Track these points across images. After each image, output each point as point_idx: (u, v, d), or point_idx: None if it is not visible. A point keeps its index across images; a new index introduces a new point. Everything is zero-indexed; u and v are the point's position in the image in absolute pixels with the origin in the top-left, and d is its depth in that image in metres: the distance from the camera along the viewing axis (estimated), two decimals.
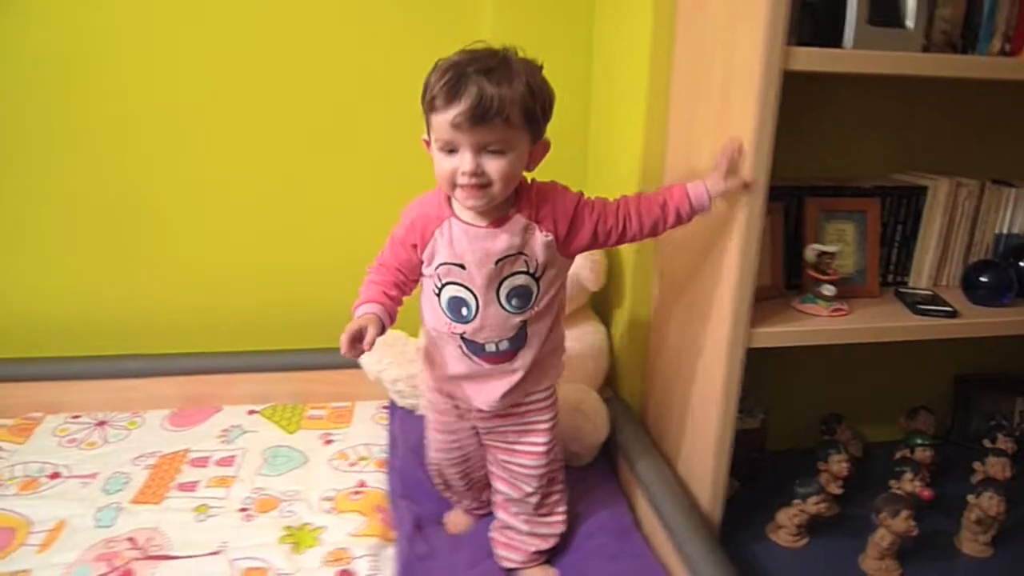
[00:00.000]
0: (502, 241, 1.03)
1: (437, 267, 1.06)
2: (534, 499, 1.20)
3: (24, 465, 1.48)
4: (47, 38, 1.54)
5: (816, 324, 1.21)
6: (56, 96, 1.58)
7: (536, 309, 1.08)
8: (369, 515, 1.34)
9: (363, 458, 1.52)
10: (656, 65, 1.33)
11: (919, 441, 1.44)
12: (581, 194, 1.09)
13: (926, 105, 1.43)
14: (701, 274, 1.22)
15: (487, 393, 1.13)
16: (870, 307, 1.29)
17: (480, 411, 1.16)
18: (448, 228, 1.05)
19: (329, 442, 1.58)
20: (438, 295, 1.08)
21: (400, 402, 1.62)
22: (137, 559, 1.22)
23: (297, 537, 1.28)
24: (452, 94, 0.92)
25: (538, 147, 1.03)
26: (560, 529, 1.23)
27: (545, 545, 1.22)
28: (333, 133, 1.67)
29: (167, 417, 1.66)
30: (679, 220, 1.11)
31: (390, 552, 1.25)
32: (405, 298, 1.11)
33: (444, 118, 0.94)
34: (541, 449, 1.18)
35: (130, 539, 1.27)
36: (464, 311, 1.07)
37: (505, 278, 1.05)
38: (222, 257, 1.72)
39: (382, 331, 1.04)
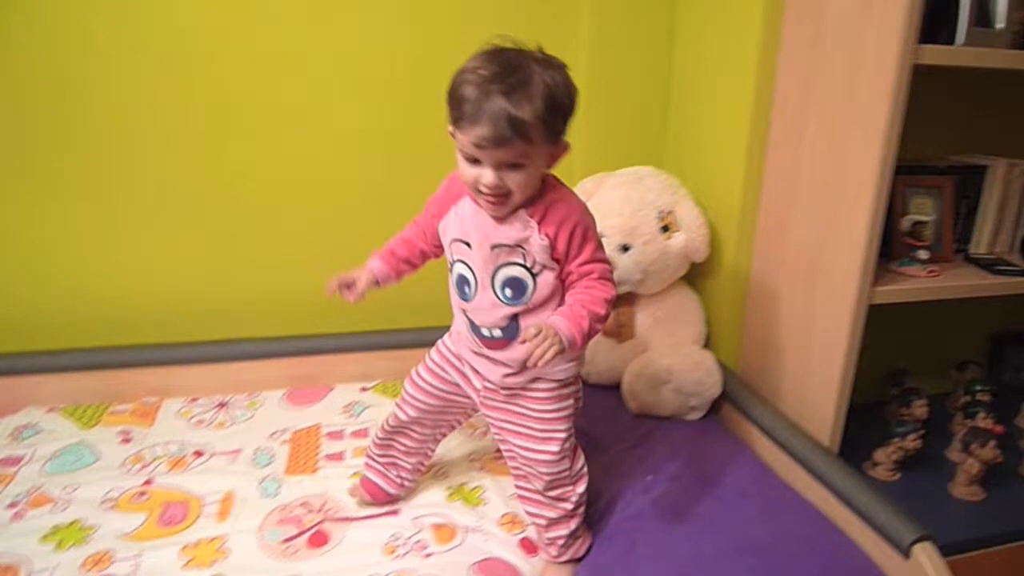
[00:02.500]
0: (502, 230, 1.07)
1: (451, 242, 1.14)
2: (540, 484, 1.20)
3: (162, 446, 1.53)
4: (152, 28, 1.58)
5: (918, 283, 1.39)
6: (163, 88, 1.62)
7: (529, 305, 1.10)
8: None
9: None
10: (763, 62, 1.49)
11: (979, 387, 1.66)
12: (587, 226, 1.09)
13: (984, 94, 1.64)
14: (823, 245, 1.39)
15: (492, 371, 1.18)
16: (951, 270, 1.49)
17: (487, 386, 1.20)
18: (463, 205, 1.12)
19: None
20: (451, 270, 1.16)
21: None
22: (323, 521, 1.30)
23: (462, 494, 1.39)
24: (475, 116, 0.96)
25: (558, 149, 1.06)
26: (575, 524, 1.22)
27: (558, 524, 1.21)
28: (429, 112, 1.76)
29: (284, 396, 1.73)
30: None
31: None
32: (425, 263, 1.25)
33: (468, 137, 0.98)
34: (547, 436, 1.17)
35: (303, 504, 1.35)
36: (466, 289, 1.13)
37: (501, 266, 1.09)
38: (327, 243, 1.79)
39: (376, 285, 1.22)
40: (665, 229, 1.60)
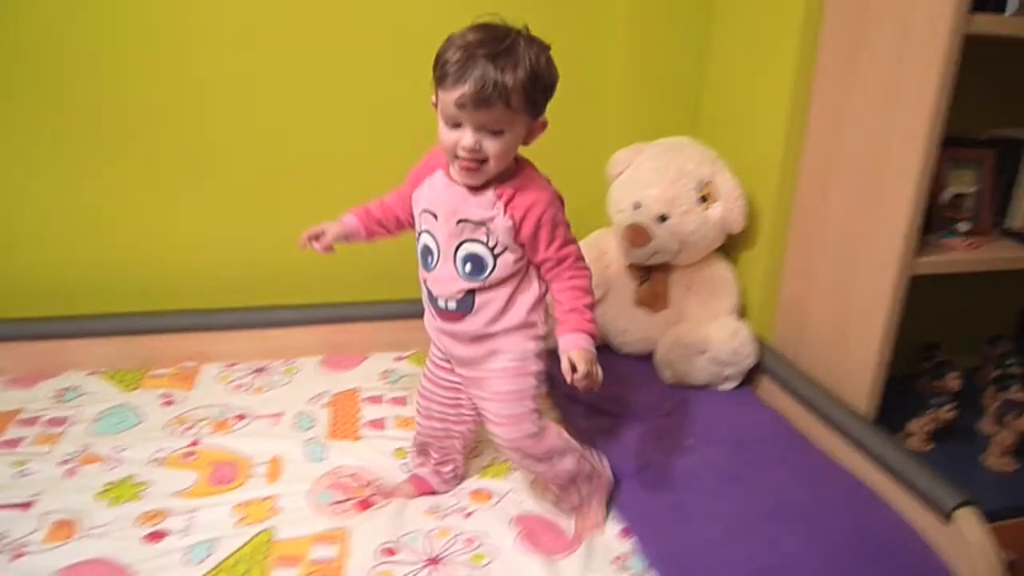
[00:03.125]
0: (469, 205, 1.09)
1: (420, 212, 1.15)
2: (521, 462, 1.21)
3: (204, 408, 1.55)
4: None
5: (958, 255, 1.40)
6: (204, 54, 1.63)
7: (486, 283, 1.12)
8: None
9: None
10: (806, 33, 1.48)
11: (1011, 360, 1.67)
12: (555, 212, 1.11)
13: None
14: (865, 216, 1.40)
15: (446, 342, 1.20)
16: (989, 243, 1.49)
17: (449, 355, 1.23)
18: (437, 177, 1.14)
19: None
20: (418, 239, 1.17)
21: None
22: (373, 495, 1.31)
23: (493, 470, 1.40)
24: (459, 75, 0.98)
25: (536, 125, 1.08)
26: (564, 480, 1.22)
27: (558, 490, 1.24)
28: None
29: (320, 363, 1.75)
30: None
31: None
32: (400, 231, 1.27)
33: (450, 97, 0.99)
34: (509, 418, 1.16)
35: (353, 475, 1.36)
36: (429, 259, 1.15)
37: (464, 241, 1.11)
38: None
39: (344, 240, 1.25)
40: (703, 200, 1.60)
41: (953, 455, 1.49)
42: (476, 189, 1.09)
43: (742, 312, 1.70)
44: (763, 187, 1.63)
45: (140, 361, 1.72)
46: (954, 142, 1.53)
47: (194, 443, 1.43)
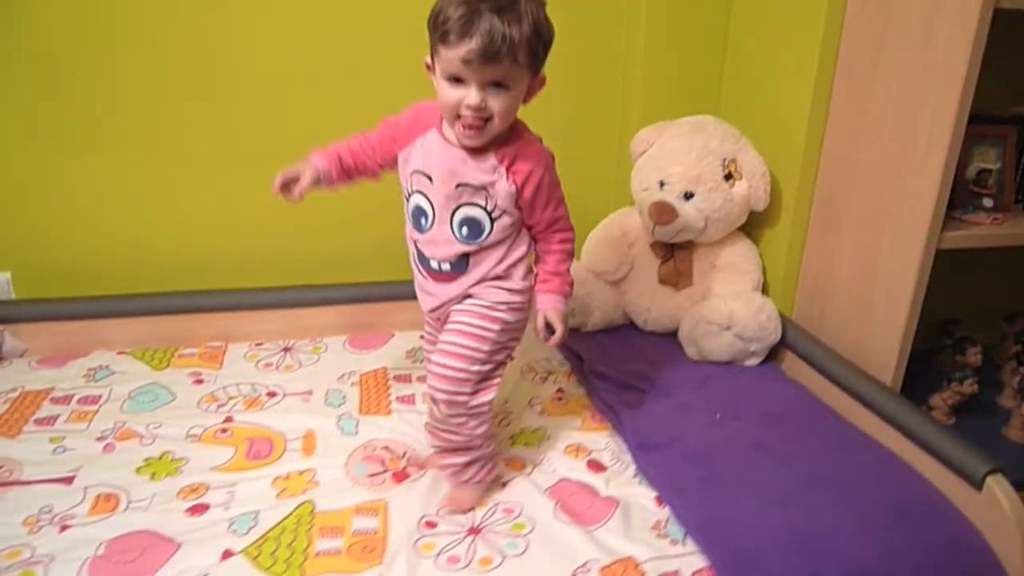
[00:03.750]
0: (469, 169, 1.08)
1: (411, 172, 1.13)
2: (446, 410, 1.16)
3: (235, 387, 1.57)
4: None
5: (983, 230, 1.42)
6: (228, 36, 1.64)
7: (482, 246, 1.12)
8: (581, 413, 1.50)
9: (550, 372, 1.66)
10: (832, 9, 1.49)
11: None
12: (553, 175, 1.14)
13: None
14: (891, 192, 1.41)
15: (428, 299, 1.21)
16: (1013, 218, 1.51)
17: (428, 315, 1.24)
18: (431, 137, 1.11)
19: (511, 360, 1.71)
20: (408, 200, 1.16)
21: (569, 321, 1.76)
22: (407, 466, 1.33)
23: (524, 438, 1.42)
24: (465, 31, 0.95)
25: (536, 82, 1.07)
26: (476, 455, 1.20)
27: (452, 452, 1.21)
28: None
29: (347, 342, 1.76)
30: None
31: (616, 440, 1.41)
32: (363, 179, 1.23)
33: (455, 53, 0.97)
34: (454, 351, 1.14)
35: (385, 447, 1.38)
36: (422, 221, 1.13)
37: (461, 205, 1.10)
38: (388, 192, 1.80)
39: (318, 184, 1.18)
40: (728, 177, 1.61)
41: (975, 428, 1.51)
42: (476, 152, 1.08)
43: (763, 289, 1.72)
44: (785, 164, 1.64)
45: (167, 341, 1.73)
46: (976, 119, 1.54)
47: (228, 419, 1.44)
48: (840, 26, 1.50)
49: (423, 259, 1.16)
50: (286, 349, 1.72)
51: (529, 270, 1.20)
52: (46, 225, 1.74)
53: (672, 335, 1.73)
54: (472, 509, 1.20)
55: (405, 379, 1.61)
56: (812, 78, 1.54)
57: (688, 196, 1.61)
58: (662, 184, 1.63)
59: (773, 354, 1.65)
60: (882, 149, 1.43)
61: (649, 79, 1.83)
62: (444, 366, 1.14)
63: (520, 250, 1.17)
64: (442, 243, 1.12)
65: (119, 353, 1.68)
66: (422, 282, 1.21)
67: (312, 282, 1.82)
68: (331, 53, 1.70)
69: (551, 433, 1.43)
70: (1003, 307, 1.90)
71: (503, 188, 1.08)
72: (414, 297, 1.80)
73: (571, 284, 1.21)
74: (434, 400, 1.17)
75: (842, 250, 1.55)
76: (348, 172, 1.22)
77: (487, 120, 1.03)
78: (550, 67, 1.69)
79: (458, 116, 1.03)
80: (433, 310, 1.22)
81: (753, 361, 1.61)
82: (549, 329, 1.19)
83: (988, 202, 1.46)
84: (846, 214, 1.53)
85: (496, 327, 1.17)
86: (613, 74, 1.87)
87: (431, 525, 1.17)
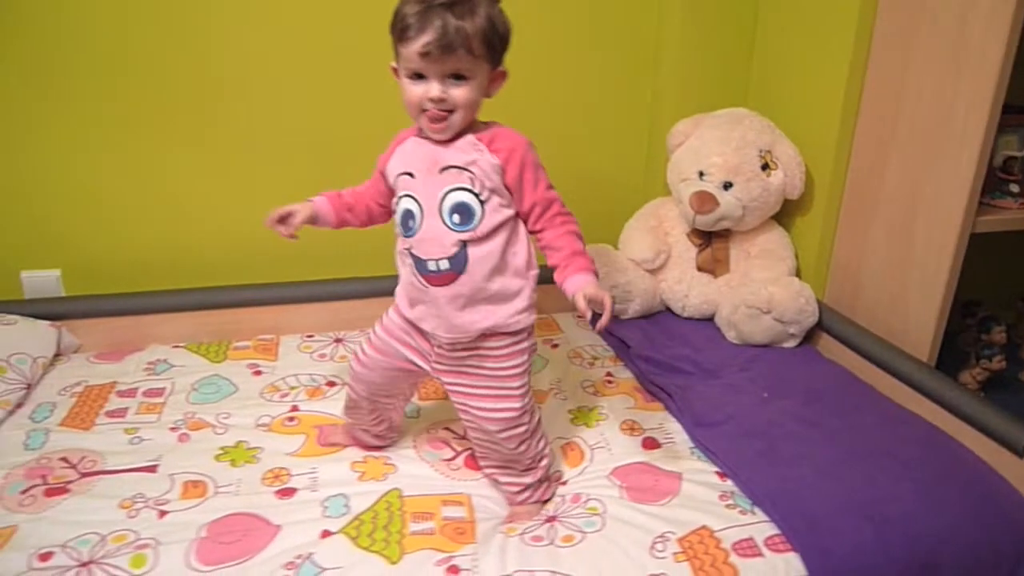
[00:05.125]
0: (450, 152, 1.11)
1: (396, 178, 1.15)
2: (509, 445, 1.19)
3: (294, 377, 1.61)
4: None
5: (1013, 214, 1.50)
6: (277, 31, 1.67)
7: (476, 233, 1.10)
8: (633, 395, 1.56)
9: (596, 357, 1.73)
10: (863, 9, 1.56)
11: None
12: (535, 155, 1.15)
13: None
14: (925, 178, 1.48)
15: (439, 321, 1.15)
16: None
17: (442, 345, 1.18)
18: (407, 142, 1.17)
19: (555, 346, 1.78)
20: (395, 210, 1.17)
21: None
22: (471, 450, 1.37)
23: (583, 417, 1.49)
24: (420, 26, 1.01)
25: (496, 74, 1.11)
26: (540, 475, 1.24)
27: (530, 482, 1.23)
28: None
29: None
30: (554, 272, 1.16)
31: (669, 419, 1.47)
32: (366, 220, 1.27)
33: (413, 48, 1.02)
34: (501, 395, 1.17)
35: (447, 428, 1.44)
36: (411, 222, 1.13)
37: (449, 191, 1.10)
38: None
39: (313, 223, 1.23)
40: (764, 167, 1.68)
41: (1006, 403, 1.59)
42: (453, 140, 1.11)
43: (796, 273, 1.79)
44: (817, 153, 1.71)
45: (217, 335, 1.77)
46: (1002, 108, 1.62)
47: (294, 408, 1.49)
48: (873, 17, 1.56)
49: (420, 264, 1.13)
50: (337, 340, 1.77)
51: (533, 278, 1.18)
52: (94, 222, 1.77)
53: (709, 320, 1.80)
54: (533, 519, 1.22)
55: None
56: (845, 69, 1.60)
57: (727, 186, 1.68)
58: (701, 174, 1.70)
59: (808, 336, 1.72)
60: (916, 138, 1.50)
61: (680, 72, 1.90)
62: (503, 414, 1.17)
63: (522, 244, 1.16)
64: (436, 237, 1.11)
65: (174, 347, 1.71)
66: (424, 298, 1.15)
67: (358, 274, 1.86)
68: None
69: (606, 413, 1.49)
70: (1018, 288, 1.98)
71: (486, 162, 1.10)
72: None
73: (594, 263, 1.16)
74: (489, 439, 1.20)
75: (875, 235, 1.62)
76: (350, 210, 1.25)
77: (451, 112, 1.07)
78: (582, 60, 1.77)
79: (423, 111, 1.08)
80: (444, 334, 1.16)
81: (791, 343, 1.68)
82: (592, 312, 1.11)
83: (1015, 187, 1.54)
84: (879, 200, 1.60)
85: (526, 357, 1.20)
86: (643, 67, 1.93)
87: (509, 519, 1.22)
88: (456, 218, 1.10)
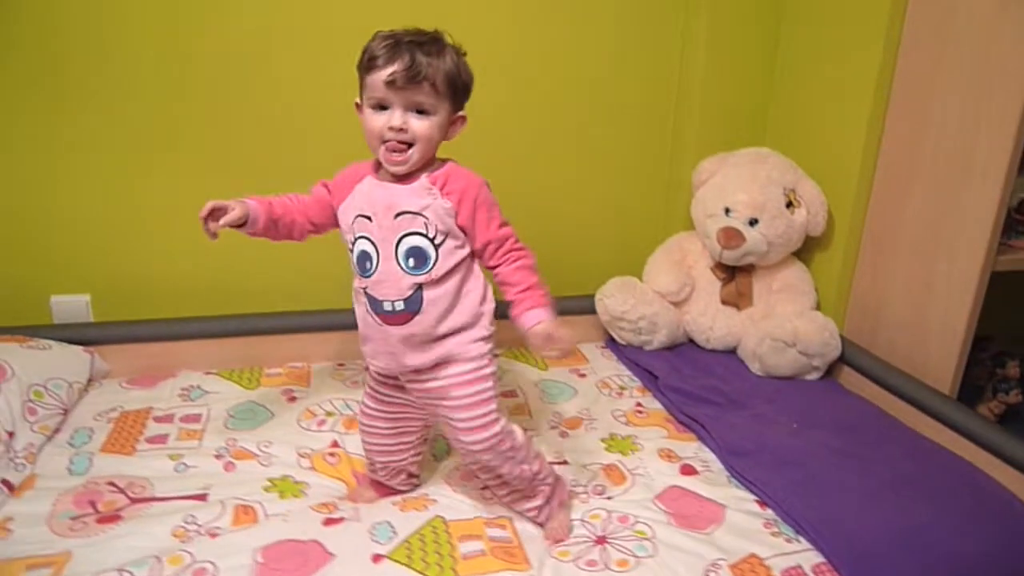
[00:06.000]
0: (404, 196, 1.12)
1: (353, 220, 1.16)
2: (491, 474, 1.22)
3: (329, 403, 1.63)
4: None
5: None
6: (315, 62, 1.72)
7: (432, 276, 1.13)
8: (664, 425, 1.60)
9: (623, 387, 1.76)
10: (886, 52, 1.63)
11: None
12: (488, 193, 1.17)
13: None
14: (946, 217, 1.55)
15: (387, 359, 1.19)
16: None
17: (383, 376, 1.24)
18: (365, 183, 1.17)
19: (583, 375, 1.81)
20: (351, 250, 1.17)
21: (634, 340, 1.86)
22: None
23: (617, 445, 1.52)
24: (390, 57, 1.06)
25: (457, 118, 1.15)
26: (547, 492, 1.24)
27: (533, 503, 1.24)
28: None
29: None
30: (510, 306, 1.18)
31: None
32: (287, 235, 1.22)
33: (379, 76, 1.06)
34: (476, 423, 1.17)
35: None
36: (368, 264, 1.14)
37: (404, 236, 1.12)
38: None
39: (244, 225, 1.15)
40: (789, 205, 1.74)
41: (1020, 434, 1.65)
42: (408, 180, 1.13)
43: (816, 308, 1.84)
44: (837, 190, 1.77)
45: (246, 361, 1.78)
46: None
47: (334, 444, 1.49)
48: (895, 59, 1.64)
49: (375, 304, 1.15)
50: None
51: (489, 309, 1.21)
52: (124, 247, 1.78)
53: (731, 352, 1.85)
54: (570, 530, 1.24)
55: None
56: (867, 110, 1.67)
57: (753, 222, 1.74)
58: (728, 211, 1.76)
59: (829, 369, 1.77)
60: (937, 176, 1.56)
61: (701, 110, 1.96)
62: (476, 442, 1.17)
63: (478, 284, 1.18)
64: (391, 280, 1.13)
65: (206, 373, 1.72)
66: (377, 335, 1.18)
67: None
68: None
69: (640, 442, 1.52)
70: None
71: (439, 207, 1.12)
72: None
73: (548, 297, 1.18)
74: (486, 470, 1.22)
75: (895, 271, 1.68)
76: (276, 222, 1.20)
77: (410, 145, 1.10)
78: (607, 98, 1.80)
79: (383, 142, 1.10)
80: (395, 370, 1.20)
81: (814, 376, 1.73)
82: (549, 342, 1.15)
83: None
84: (899, 237, 1.67)
85: (490, 383, 1.20)
86: (665, 105, 1.99)
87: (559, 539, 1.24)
88: (411, 262, 1.12)
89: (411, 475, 1.35)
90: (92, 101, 1.66)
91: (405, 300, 1.13)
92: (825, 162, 1.82)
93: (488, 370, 1.20)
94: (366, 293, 1.16)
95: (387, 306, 1.14)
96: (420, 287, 1.13)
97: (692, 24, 1.90)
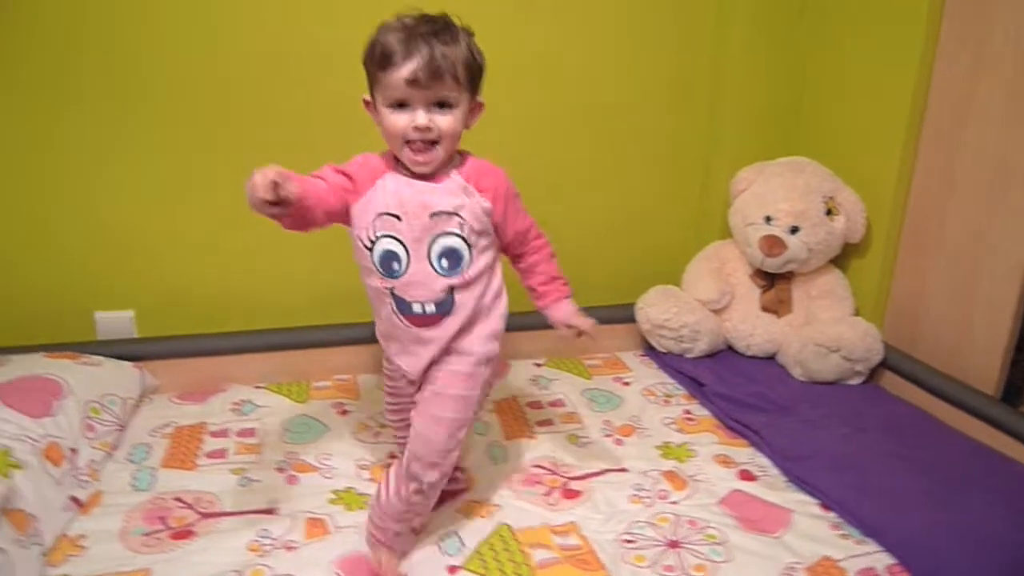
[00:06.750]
0: (439, 195, 1.08)
1: (374, 218, 1.09)
2: (418, 466, 1.13)
3: (381, 415, 1.60)
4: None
5: None
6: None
7: (465, 276, 1.10)
8: (715, 432, 1.61)
9: (669, 395, 1.77)
10: (923, 64, 1.67)
11: None
12: (510, 180, 1.17)
13: None
14: (988, 222, 1.57)
15: (412, 359, 1.16)
16: None
17: (406, 377, 1.20)
18: (389, 180, 1.10)
19: (627, 384, 1.82)
20: (371, 249, 1.10)
21: (675, 348, 1.88)
22: (568, 482, 1.42)
23: (672, 453, 1.53)
24: (407, 53, 1.00)
25: (476, 104, 1.11)
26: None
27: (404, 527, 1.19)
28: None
29: None
30: (531, 294, 1.24)
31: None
32: (298, 226, 1.06)
33: (398, 75, 1.01)
34: (447, 414, 1.14)
35: (537, 466, 1.47)
36: (395, 265, 1.09)
37: (438, 236, 1.09)
38: None
39: (284, 205, 0.98)
40: (828, 212, 1.77)
41: None
42: (438, 179, 1.10)
43: (855, 313, 1.87)
44: (875, 196, 1.80)
45: (293, 374, 1.79)
46: None
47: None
48: (931, 66, 1.67)
49: (403, 306, 1.11)
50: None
51: (505, 304, 1.20)
52: (168, 263, 1.79)
53: (770, 358, 1.87)
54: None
55: (536, 405, 1.71)
56: (904, 116, 1.70)
57: (794, 230, 1.76)
58: (768, 219, 1.78)
59: (870, 374, 1.79)
60: (977, 180, 1.59)
61: (734, 120, 1.99)
62: (435, 440, 1.13)
63: (498, 285, 1.18)
64: (423, 281, 1.09)
65: (256, 387, 1.73)
66: (403, 336, 1.15)
67: None
68: None
69: (695, 448, 1.54)
70: None
71: (476, 206, 1.10)
72: (532, 327, 1.91)
73: (568, 283, 1.23)
74: (412, 478, 1.13)
75: (935, 274, 1.71)
76: (304, 212, 1.04)
77: (434, 143, 1.05)
78: (638, 107, 1.84)
79: (407, 142, 1.05)
80: (417, 372, 1.16)
81: (856, 380, 1.75)
82: (578, 332, 1.22)
83: None
84: (939, 240, 1.69)
85: (477, 392, 1.17)
86: (699, 114, 2.01)
87: (629, 541, 1.25)
88: (445, 263, 1.10)
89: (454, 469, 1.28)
90: (136, 119, 1.67)
91: (437, 303, 1.11)
92: (861, 168, 1.84)
93: (485, 372, 1.17)
94: (393, 294, 1.12)
95: (417, 308, 1.11)
96: (452, 289, 1.11)
97: (725, 32, 1.93)
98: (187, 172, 1.73)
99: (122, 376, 1.62)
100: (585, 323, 1.22)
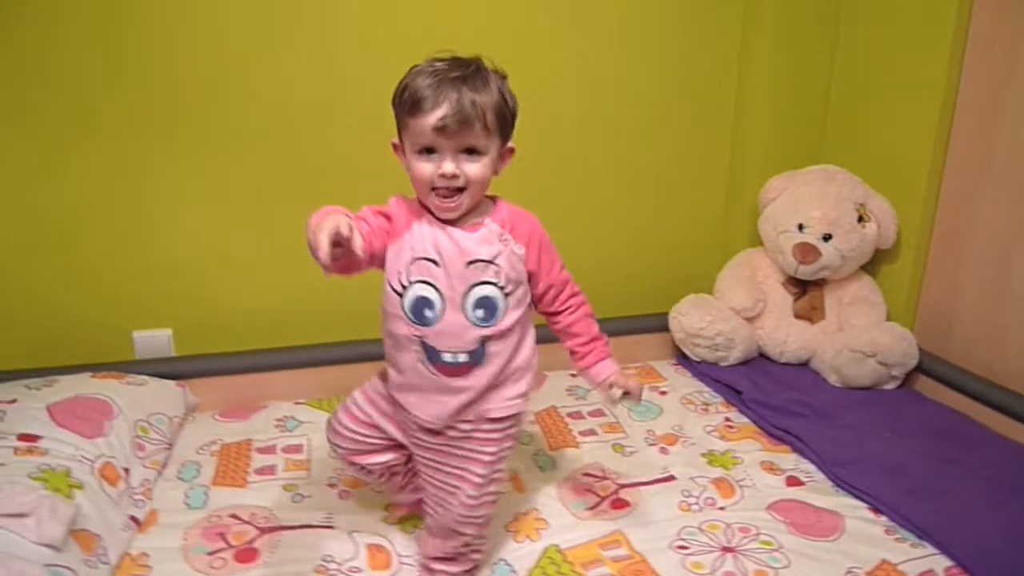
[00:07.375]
0: (476, 243, 1.06)
1: (410, 262, 1.06)
2: (457, 533, 1.14)
3: None
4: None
5: None
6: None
7: (499, 326, 1.08)
8: (757, 438, 1.62)
9: (707, 403, 1.79)
10: (950, 71, 1.69)
11: None
12: (548, 238, 1.15)
13: None
14: (1020, 223, 1.60)
15: (437, 408, 1.11)
16: None
17: (424, 426, 1.14)
18: (425, 224, 1.08)
19: (664, 393, 1.83)
20: (402, 295, 1.07)
21: (710, 356, 1.89)
22: (617, 490, 1.43)
23: (718, 460, 1.54)
24: (435, 99, 0.98)
25: (505, 151, 1.08)
26: (469, 567, 1.19)
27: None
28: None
29: None
30: (572, 356, 1.21)
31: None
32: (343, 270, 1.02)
33: (426, 122, 0.98)
34: (477, 480, 1.12)
35: (586, 474, 1.48)
36: (428, 313, 1.06)
37: (474, 285, 1.06)
38: None
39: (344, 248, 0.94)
40: (860, 219, 1.79)
41: None
42: (474, 227, 1.07)
43: (887, 318, 1.89)
44: (904, 203, 1.82)
45: (331, 390, 1.79)
46: None
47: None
48: (959, 72, 1.69)
49: (433, 354, 1.08)
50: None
51: (536, 368, 1.18)
52: (206, 281, 1.80)
53: (803, 365, 1.88)
54: None
55: (577, 415, 1.72)
56: (934, 122, 1.72)
57: (827, 237, 1.78)
58: (801, 227, 1.80)
59: (905, 378, 1.81)
60: (1008, 183, 1.62)
61: (759, 129, 2.02)
62: (473, 497, 1.12)
63: (530, 340, 1.15)
64: (456, 331, 1.06)
65: (296, 403, 1.73)
66: (427, 385, 1.11)
67: None
68: None
69: (739, 455, 1.55)
70: None
71: (511, 254, 1.08)
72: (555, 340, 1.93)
73: (608, 343, 1.20)
74: (449, 533, 1.14)
75: (967, 278, 1.73)
76: (350, 257, 0.98)
77: (461, 190, 1.03)
78: (664, 117, 1.87)
79: (433, 189, 1.03)
80: (441, 422, 1.12)
81: (891, 385, 1.77)
82: (625, 393, 1.18)
83: None
84: (971, 243, 1.71)
85: (510, 443, 1.16)
86: (724, 123, 2.04)
87: (682, 548, 1.26)
88: (480, 313, 1.07)
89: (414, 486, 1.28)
90: (175, 143, 1.69)
91: (469, 352, 1.08)
92: (889, 174, 1.86)
93: (516, 429, 1.17)
94: (423, 343, 1.08)
95: (448, 357, 1.07)
96: (485, 340, 1.08)
97: (749, 42, 1.96)
98: (223, 192, 1.75)
99: (166, 395, 1.62)
100: (632, 385, 1.18)
